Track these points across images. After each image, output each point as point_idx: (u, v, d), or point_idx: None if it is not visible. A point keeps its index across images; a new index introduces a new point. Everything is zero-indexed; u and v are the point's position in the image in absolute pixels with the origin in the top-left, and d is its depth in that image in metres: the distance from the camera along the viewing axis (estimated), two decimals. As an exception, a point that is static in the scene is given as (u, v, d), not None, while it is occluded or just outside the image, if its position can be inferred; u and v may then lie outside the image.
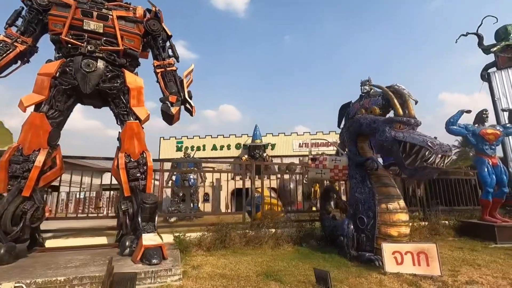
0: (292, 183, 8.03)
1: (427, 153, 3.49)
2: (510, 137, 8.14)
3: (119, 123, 4.34)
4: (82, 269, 3.11)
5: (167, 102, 4.36)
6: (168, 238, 4.63)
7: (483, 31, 9.45)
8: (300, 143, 26.35)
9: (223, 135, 27.32)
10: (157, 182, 22.98)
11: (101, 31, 4.13)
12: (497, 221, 6.00)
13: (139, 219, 3.80)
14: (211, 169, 15.24)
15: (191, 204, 15.18)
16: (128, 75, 4.25)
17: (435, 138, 3.69)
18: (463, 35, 9.31)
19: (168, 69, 4.63)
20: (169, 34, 4.84)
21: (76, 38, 4.03)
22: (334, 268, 3.86)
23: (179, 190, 15.35)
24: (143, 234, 3.62)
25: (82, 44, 4.00)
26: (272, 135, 27.00)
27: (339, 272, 3.64)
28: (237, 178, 17.98)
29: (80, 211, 16.46)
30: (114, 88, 4.15)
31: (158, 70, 4.62)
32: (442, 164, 3.52)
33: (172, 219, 10.64)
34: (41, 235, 4.26)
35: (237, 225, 5.54)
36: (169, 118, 4.41)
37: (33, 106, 3.85)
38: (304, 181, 22.11)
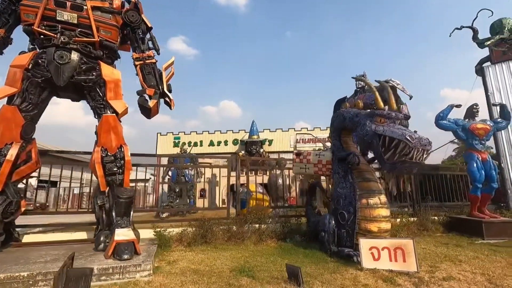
0: (280, 178, 7.97)
1: (406, 147, 3.42)
2: (503, 132, 8.05)
3: (96, 117, 4.26)
4: (50, 264, 3.06)
5: (145, 95, 4.27)
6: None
7: (479, 24, 9.30)
8: (297, 139, 26.25)
9: (220, 131, 27.25)
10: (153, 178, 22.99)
11: (75, 21, 4.02)
12: (485, 217, 5.93)
13: (113, 213, 3.74)
14: (208, 164, 15.20)
15: (187, 200, 15.18)
16: (104, 67, 4.16)
17: (415, 131, 3.60)
18: (457, 28, 9.15)
19: (147, 61, 4.53)
20: (149, 25, 4.73)
21: (49, 29, 3.92)
22: (312, 263, 3.80)
23: (176, 185, 15.34)
24: (116, 229, 3.56)
25: (55, 35, 3.89)
26: (270, 131, 26.91)
27: (316, 268, 3.58)
28: (233, 173, 17.97)
29: (77, 206, 16.50)
30: (90, 80, 4.06)
31: (137, 63, 4.52)
32: (421, 158, 3.44)
33: (164, 215, 10.61)
34: (16, 230, 4.20)
35: (221, 220, 5.48)
36: (147, 112, 4.32)
37: (5, 99, 3.77)
38: (301, 177, 22.13)
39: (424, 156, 3.44)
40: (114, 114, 4.12)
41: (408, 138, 3.38)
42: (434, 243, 5.27)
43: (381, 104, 3.98)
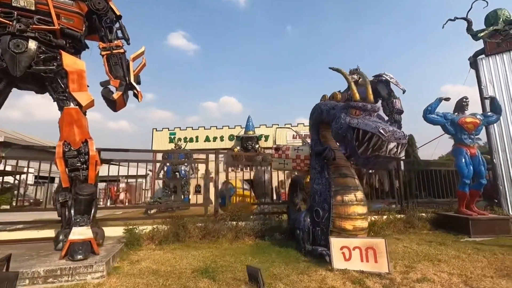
0: (267, 174, 7.78)
1: (379, 140, 3.21)
2: (495, 126, 7.82)
3: (59, 109, 4.05)
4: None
5: (109, 86, 4.06)
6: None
7: (475, 16, 9.00)
8: (293, 135, 26.03)
9: (216, 127, 27.05)
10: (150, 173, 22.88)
11: (33, 8, 3.79)
12: (472, 214, 5.74)
13: (72, 211, 3.55)
14: (203, 160, 15.05)
15: (182, 196, 15.02)
16: (66, 57, 3.93)
17: (390, 124, 3.39)
18: (451, 20, 8.84)
19: (114, 51, 4.31)
20: (118, 14, 4.50)
21: (4, 16, 3.69)
22: (283, 263, 3.62)
23: (170, 181, 15.19)
24: (73, 228, 3.37)
25: (11, 23, 3.67)
26: (266, 127, 26.68)
27: (285, 268, 3.40)
28: (229, 169, 17.78)
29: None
30: (50, 71, 3.84)
31: (103, 53, 4.29)
32: (396, 153, 3.23)
33: (152, 211, 10.45)
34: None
35: (197, 217, 5.30)
36: (112, 104, 4.11)
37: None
38: (296, 172, 21.96)
39: (399, 150, 3.23)
40: (77, 107, 3.92)
41: (381, 131, 3.17)
42: (418, 241, 5.08)
43: (357, 96, 3.76)
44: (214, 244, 4.66)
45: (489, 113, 6.29)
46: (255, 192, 7.86)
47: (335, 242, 3.37)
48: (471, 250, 4.34)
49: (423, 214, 6.65)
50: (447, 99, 6.13)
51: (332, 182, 3.97)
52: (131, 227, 4.60)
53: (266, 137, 26.16)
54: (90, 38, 4.56)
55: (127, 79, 4.20)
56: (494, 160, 7.75)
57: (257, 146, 22.84)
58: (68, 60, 3.95)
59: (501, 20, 8.42)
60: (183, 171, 16.12)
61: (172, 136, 26.03)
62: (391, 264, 3.52)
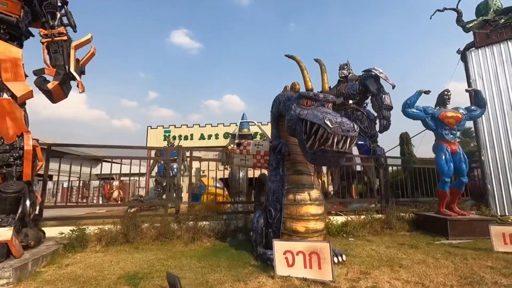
0: (242, 171, 7.46)
1: (324, 133, 2.87)
2: (484, 122, 7.42)
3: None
4: None
5: (44, 75, 3.76)
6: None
7: (467, 8, 8.58)
8: (289, 132, 25.59)
9: (211, 124, 26.76)
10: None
11: (-42, -10, 3.51)
12: (451, 215, 5.37)
13: (-4, 210, 3.27)
14: (197, 158, 14.76)
15: (174, 194, 14.75)
16: (-2, 44, 3.64)
17: (340, 115, 3.05)
18: (439, 10, 8.42)
19: (56, 38, 4.01)
20: (64, -1, 4.20)
21: None
22: (227, 268, 3.31)
23: (162, 179, 14.95)
24: (-7, 229, 3.08)
25: None
26: (261, 124, 26.30)
27: (225, 274, 3.08)
28: (221, 167, 17.50)
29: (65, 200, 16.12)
30: (-22, 59, 3.55)
31: (43, 40, 4.00)
32: (343, 147, 2.89)
33: (132, 210, 10.17)
34: None
35: (155, 217, 5.00)
36: (49, 95, 3.82)
37: None
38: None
39: (347, 144, 2.89)
40: (10, 98, 3.62)
41: (327, 122, 2.83)
42: (390, 243, 4.73)
43: (310, 84, 3.41)
44: (167, 246, 4.35)
45: (472, 107, 5.90)
46: (229, 190, 7.56)
47: (278, 246, 3.04)
48: (441, 254, 3.99)
49: (405, 214, 6.29)
50: (427, 92, 5.76)
51: (286, 179, 3.64)
52: (82, 227, 4.33)
53: (262, 135, 25.79)
54: (33, 25, 4.26)
55: (66, 67, 3.90)
56: (482, 157, 7.36)
57: (251, 144, 22.47)
58: (1, 48, 3.65)
59: (491, 10, 8.00)
60: (175, 169, 15.85)
61: (167, 134, 25.81)
62: (344, 270, 3.22)
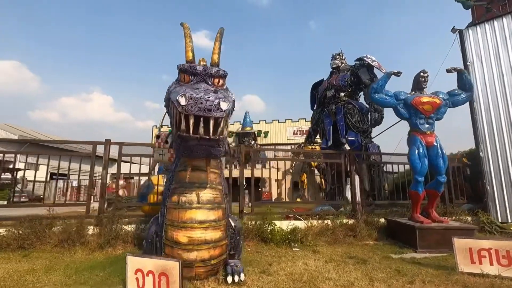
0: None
1: (177, 113, 2.14)
2: (483, 113, 6.26)
3: None
4: None
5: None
6: None
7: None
8: (294, 130, 24.77)
9: (215, 123, 26.27)
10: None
11: None
12: (423, 221, 4.40)
13: None
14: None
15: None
16: None
17: (213, 91, 2.30)
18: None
19: None
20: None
21: None
22: (96, 285, 2.66)
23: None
24: None
25: None
26: (266, 122, 25.64)
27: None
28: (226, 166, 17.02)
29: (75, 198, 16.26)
30: None
31: None
32: (206, 132, 2.14)
33: (110, 209, 9.80)
34: None
35: (71, 219, 4.44)
36: None
37: None
38: (291, 170, 20.65)
39: (211, 127, 2.13)
40: None
41: (180, 98, 2.09)
42: (338, 255, 3.88)
43: (189, 54, 2.66)
44: (67, 253, 3.77)
45: (456, 91, 4.86)
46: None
47: (131, 262, 2.34)
48: (386, 273, 3.10)
49: (380, 219, 5.36)
50: (398, 73, 4.81)
51: (175, 176, 2.93)
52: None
53: (266, 134, 25.08)
54: None
55: None
56: (481, 153, 6.22)
57: (252, 142, 21.84)
58: None
59: (494, -21, 6.80)
60: None
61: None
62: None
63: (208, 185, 2.86)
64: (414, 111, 4.70)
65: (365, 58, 8.79)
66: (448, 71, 4.83)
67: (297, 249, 4.26)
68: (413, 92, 4.92)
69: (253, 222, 4.75)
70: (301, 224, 5.16)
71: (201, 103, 2.08)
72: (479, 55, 6.51)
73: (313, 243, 4.51)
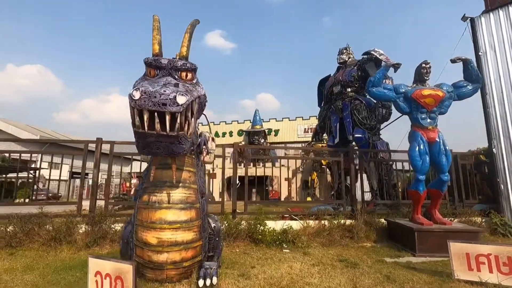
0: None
1: (131, 109, 2.02)
2: (496, 106, 5.82)
3: None
4: None
5: None
6: None
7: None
8: (305, 128, 24.39)
9: (225, 122, 26.44)
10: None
11: None
12: (423, 223, 4.10)
13: None
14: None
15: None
16: None
17: (174, 84, 2.16)
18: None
19: None
20: None
21: None
22: (62, 285, 2.61)
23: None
24: None
25: None
26: (276, 120, 25.41)
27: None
28: (230, 166, 16.99)
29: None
30: None
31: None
32: (163, 128, 2.01)
33: (116, 207, 9.97)
34: None
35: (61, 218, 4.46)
36: None
37: None
38: (300, 169, 20.33)
39: (168, 122, 2.00)
40: None
41: (134, 93, 1.97)
42: (329, 258, 3.67)
43: (156, 47, 2.51)
44: (53, 252, 3.77)
45: (461, 82, 4.50)
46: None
47: (92, 264, 2.25)
48: (373, 280, 2.88)
49: (381, 220, 5.09)
50: (397, 65, 4.53)
51: (147, 174, 2.83)
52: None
53: (276, 132, 24.87)
54: None
55: None
56: (494, 149, 5.80)
57: (262, 140, 21.66)
58: None
59: (510, -37, 6.28)
60: None
61: (183, 132, 25.94)
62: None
63: (180, 184, 2.74)
64: (415, 105, 4.40)
65: (372, 52, 8.41)
66: (453, 61, 4.48)
67: (288, 250, 4.08)
68: (415, 84, 4.60)
69: (245, 222, 4.61)
70: (296, 224, 4.97)
71: (155, 97, 1.95)
72: (492, 44, 6.06)
73: (306, 245, 4.32)
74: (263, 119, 23.50)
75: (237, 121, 25.97)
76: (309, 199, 15.97)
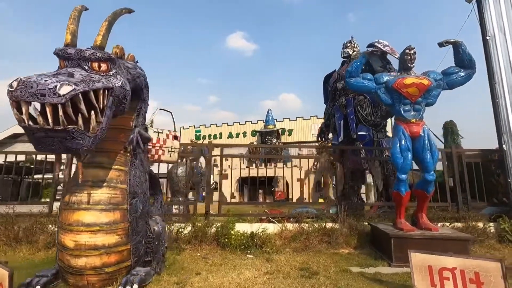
0: (180, 167, 6.50)
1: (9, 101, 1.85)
2: (507, 98, 5.12)
3: None
4: None
5: None
6: None
7: None
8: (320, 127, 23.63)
9: (239, 122, 26.37)
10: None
11: None
12: (403, 228, 3.62)
13: None
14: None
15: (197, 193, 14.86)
16: None
17: (60, 73, 1.97)
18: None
19: None
20: None
21: None
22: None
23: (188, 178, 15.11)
24: None
25: None
26: (290, 120, 24.92)
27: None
28: (243, 166, 16.85)
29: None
30: None
31: None
32: (40, 122, 1.83)
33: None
34: None
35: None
36: None
37: None
38: (313, 170, 19.78)
39: (49, 115, 1.80)
40: None
41: (12, 83, 1.79)
42: (289, 266, 3.32)
43: (67, 36, 2.32)
44: (8, 251, 3.75)
45: (451, 69, 3.96)
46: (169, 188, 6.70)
47: (-10, 269, 2.11)
48: (321, 293, 2.52)
49: (360, 224, 4.64)
50: (375, 52, 4.09)
51: (76, 173, 2.67)
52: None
53: (290, 132, 24.39)
54: None
55: None
56: (504, 145, 5.12)
57: (274, 140, 21.31)
58: None
59: None
60: (197, 168, 15.85)
61: (198, 133, 26.33)
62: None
63: (105, 184, 2.56)
64: (397, 96, 3.92)
65: (376, 44, 7.83)
66: (440, 45, 3.96)
67: (251, 256, 3.78)
68: (399, 73, 4.13)
69: (214, 225, 4.38)
70: (273, 227, 4.65)
71: (31, 87, 1.77)
72: (501, 27, 5.38)
73: (275, 250, 3.99)
74: (276, 119, 23.15)
75: (251, 121, 25.79)
76: (321, 200, 15.43)
